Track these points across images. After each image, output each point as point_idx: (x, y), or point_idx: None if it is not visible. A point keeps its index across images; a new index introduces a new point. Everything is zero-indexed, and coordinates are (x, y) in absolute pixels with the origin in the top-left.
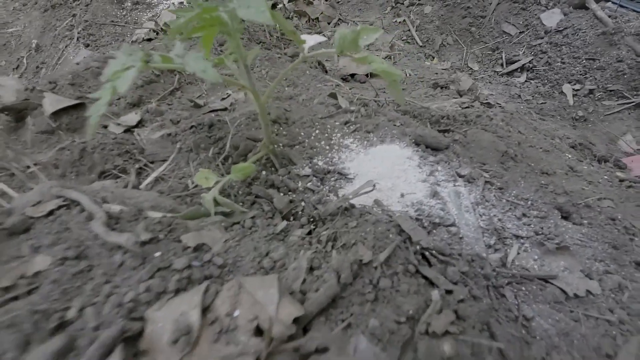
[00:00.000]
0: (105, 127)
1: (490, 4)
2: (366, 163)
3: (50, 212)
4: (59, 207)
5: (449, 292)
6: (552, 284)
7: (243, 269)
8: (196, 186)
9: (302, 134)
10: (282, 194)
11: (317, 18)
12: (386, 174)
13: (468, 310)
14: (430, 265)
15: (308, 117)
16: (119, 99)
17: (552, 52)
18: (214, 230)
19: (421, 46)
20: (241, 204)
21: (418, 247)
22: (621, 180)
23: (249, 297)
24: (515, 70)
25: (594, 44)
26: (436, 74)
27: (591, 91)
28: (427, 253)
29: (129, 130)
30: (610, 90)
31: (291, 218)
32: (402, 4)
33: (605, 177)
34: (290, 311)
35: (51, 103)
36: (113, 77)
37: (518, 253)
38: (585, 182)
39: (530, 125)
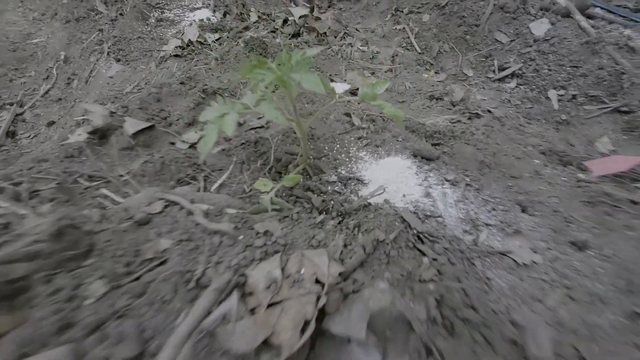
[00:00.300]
0: (173, 144)
1: (484, 13)
2: (377, 172)
3: (162, 210)
4: (166, 206)
5: (434, 259)
6: (508, 256)
7: (299, 246)
8: (251, 190)
9: (326, 148)
10: (316, 195)
11: (325, 32)
12: (392, 180)
13: (446, 269)
14: (423, 243)
15: (329, 133)
16: (177, 119)
17: (539, 60)
18: (273, 221)
19: (420, 53)
20: (288, 203)
21: (415, 231)
22: (579, 181)
23: (309, 261)
24: (506, 76)
25: (578, 52)
26: (432, 86)
27: (574, 96)
28: (421, 235)
29: (192, 146)
30: (591, 96)
31: (324, 213)
32: (402, 12)
33: (565, 178)
34: (336, 269)
35: (131, 125)
36: (216, 121)
37: (487, 236)
38: (545, 183)
39: (507, 136)
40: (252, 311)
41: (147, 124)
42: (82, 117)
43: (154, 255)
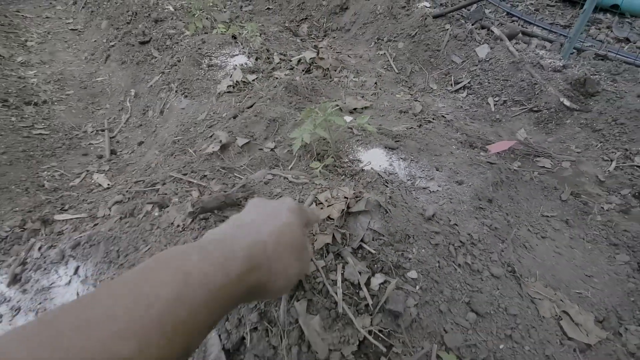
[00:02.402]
0: (261, 149)
1: (443, 41)
2: (366, 155)
3: (271, 179)
4: (272, 177)
5: (392, 190)
6: (427, 189)
7: (335, 186)
8: (307, 168)
9: (341, 146)
10: (341, 170)
11: (328, 68)
12: (374, 159)
13: (396, 193)
14: (387, 184)
15: (342, 139)
16: (259, 136)
17: (482, 75)
18: (322, 180)
19: (397, 73)
20: (328, 172)
21: (383, 179)
22: (476, 156)
23: (341, 190)
24: (460, 88)
25: (508, 69)
26: (402, 103)
27: (505, 101)
28: (387, 180)
29: (272, 150)
30: (516, 100)
31: (344, 175)
32: (383, 40)
33: (468, 155)
34: (352, 192)
35: (240, 141)
36: (298, 134)
37: (418, 181)
38: (454, 157)
39: (438, 134)
40: (321, 208)
41: (246, 140)
42: (211, 137)
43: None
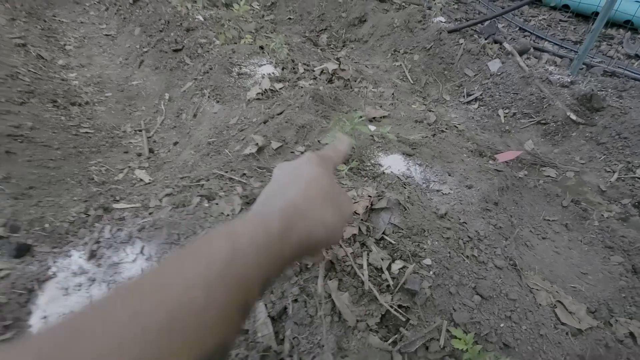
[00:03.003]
0: (292, 152)
1: (457, 55)
2: (386, 161)
3: None
4: None
5: (409, 191)
6: (440, 191)
7: (359, 187)
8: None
9: (364, 152)
10: (364, 172)
11: (349, 79)
12: (394, 164)
13: (413, 194)
14: (405, 185)
15: (364, 145)
16: (290, 140)
17: (494, 88)
18: (347, 180)
19: (412, 84)
20: (353, 174)
21: (402, 181)
22: (485, 164)
23: (366, 189)
24: (472, 100)
25: (518, 84)
26: (417, 113)
27: (514, 114)
28: (404, 181)
29: (302, 153)
30: (525, 113)
31: (367, 177)
32: (399, 52)
33: (477, 163)
34: (375, 191)
35: (274, 144)
36: (329, 140)
37: (432, 184)
38: (464, 164)
39: (450, 143)
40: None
41: (280, 143)
42: (243, 140)
43: None
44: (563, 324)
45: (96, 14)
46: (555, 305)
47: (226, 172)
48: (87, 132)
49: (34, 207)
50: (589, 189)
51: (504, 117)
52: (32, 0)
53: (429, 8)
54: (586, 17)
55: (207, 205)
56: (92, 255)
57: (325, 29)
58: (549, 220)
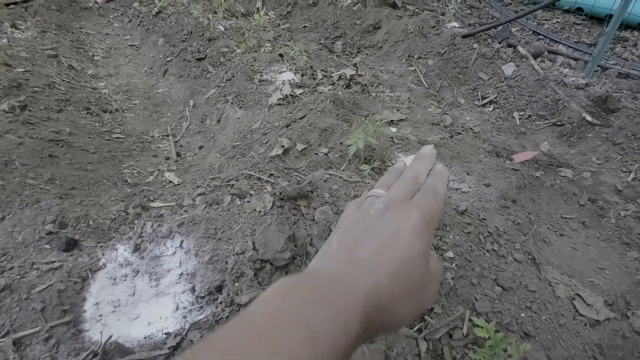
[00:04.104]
0: (317, 154)
1: (471, 59)
2: (407, 161)
3: (329, 178)
4: (328, 178)
5: None
6: (460, 190)
7: None
8: (362, 171)
9: (384, 153)
10: (385, 171)
11: (366, 84)
12: None
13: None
14: None
15: (384, 146)
16: (314, 143)
17: (508, 91)
18: (371, 180)
19: (427, 88)
20: (374, 173)
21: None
22: (503, 164)
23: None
24: (486, 103)
25: (532, 86)
26: (433, 116)
27: (529, 116)
28: None
29: (326, 154)
30: (540, 115)
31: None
32: (413, 57)
33: (495, 163)
34: None
35: (299, 146)
36: (353, 141)
37: (451, 183)
38: (482, 164)
39: (467, 144)
40: None
41: (304, 145)
42: (267, 143)
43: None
44: (581, 315)
45: (120, 25)
46: (573, 297)
47: (255, 172)
48: (118, 137)
49: (78, 206)
50: (605, 189)
51: (519, 119)
52: (59, 13)
53: (443, 14)
54: (600, 19)
55: (239, 202)
56: (136, 249)
57: (340, 36)
58: (566, 217)
